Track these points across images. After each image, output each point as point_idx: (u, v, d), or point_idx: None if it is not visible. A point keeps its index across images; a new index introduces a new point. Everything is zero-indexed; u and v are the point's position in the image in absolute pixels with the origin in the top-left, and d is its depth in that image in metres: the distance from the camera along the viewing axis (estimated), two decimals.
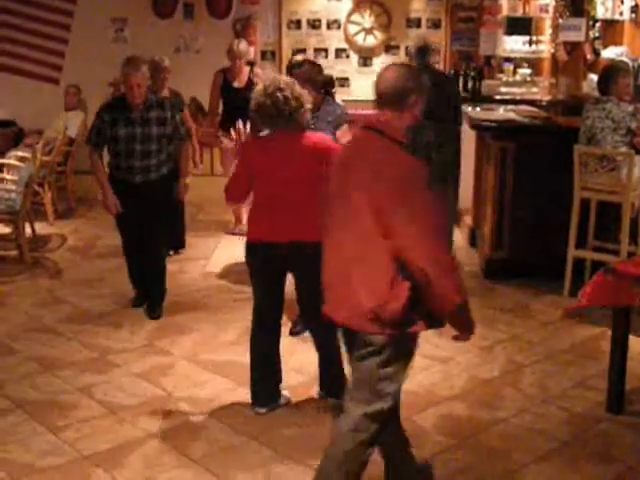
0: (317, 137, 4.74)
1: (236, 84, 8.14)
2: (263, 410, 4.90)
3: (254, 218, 4.76)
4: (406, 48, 8.78)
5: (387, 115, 3.60)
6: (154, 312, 6.39)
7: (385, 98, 3.61)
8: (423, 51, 7.37)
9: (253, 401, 4.95)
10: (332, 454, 3.60)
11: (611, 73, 6.84)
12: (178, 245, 8.18)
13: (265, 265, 4.77)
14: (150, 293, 6.51)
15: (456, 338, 3.60)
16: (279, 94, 4.54)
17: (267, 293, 4.89)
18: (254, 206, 4.76)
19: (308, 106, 4.66)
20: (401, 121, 3.59)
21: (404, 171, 3.46)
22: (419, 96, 3.64)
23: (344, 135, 5.74)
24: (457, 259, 3.53)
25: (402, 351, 3.53)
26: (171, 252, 7.98)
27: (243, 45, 8.17)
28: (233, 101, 8.08)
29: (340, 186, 3.63)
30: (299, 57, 8.16)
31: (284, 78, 4.79)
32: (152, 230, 6.33)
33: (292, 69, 6.16)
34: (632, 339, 5.00)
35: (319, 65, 6.30)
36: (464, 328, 3.57)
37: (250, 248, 4.76)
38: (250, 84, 8.09)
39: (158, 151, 6.18)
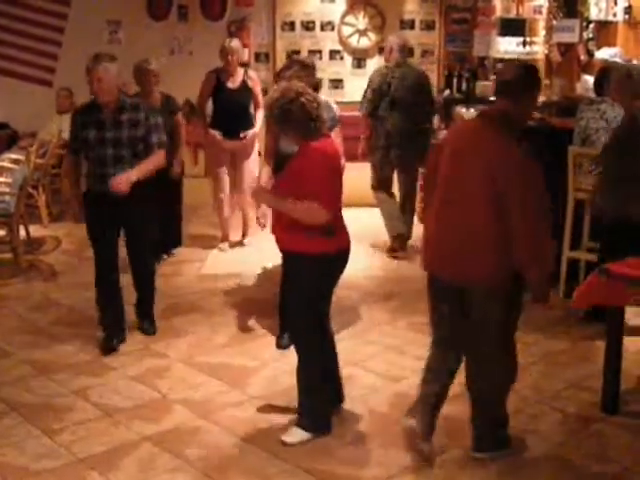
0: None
1: (230, 84, 8.01)
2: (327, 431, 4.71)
3: (341, 227, 4.56)
4: (383, 47, 8.92)
5: (505, 105, 4.07)
6: (150, 328, 6.19)
7: (506, 89, 4.08)
8: (404, 49, 8.17)
9: (325, 428, 4.69)
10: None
11: (608, 75, 6.86)
12: (174, 244, 8.21)
13: (341, 271, 4.66)
14: (140, 308, 6.28)
15: (533, 301, 4.20)
16: (302, 98, 4.38)
17: (329, 299, 4.74)
18: (336, 215, 4.51)
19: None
20: (516, 113, 4.06)
21: (516, 162, 3.94)
22: (535, 93, 4.17)
23: (337, 137, 5.74)
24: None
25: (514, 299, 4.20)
26: (165, 256, 7.97)
27: (235, 42, 8.06)
28: (225, 102, 8.01)
29: (455, 167, 4.10)
30: (302, 58, 8.22)
31: (296, 83, 4.72)
32: (137, 246, 6.01)
33: (281, 71, 6.13)
34: (626, 339, 5.02)
35: (310, 66, 6.25)
36: (539, 297, 4.17)
37: (338, 257, 4.54)
38: (244, 86, 8.03)
39: (133, 156, 5.70)
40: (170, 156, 6.75)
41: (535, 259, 4.00)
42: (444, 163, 4.22)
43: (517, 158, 3.98)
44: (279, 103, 4.40)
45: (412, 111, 8.12)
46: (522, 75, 4.12)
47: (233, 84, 8.04)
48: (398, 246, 8.27)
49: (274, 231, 4.65)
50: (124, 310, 6.09)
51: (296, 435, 4.60)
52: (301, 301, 4.56)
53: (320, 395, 4.70)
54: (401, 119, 8.09)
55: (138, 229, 5.95)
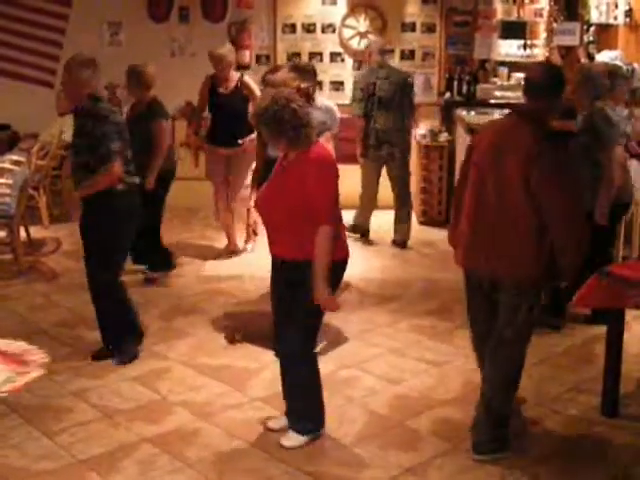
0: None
1: (222, 90, 7.90)
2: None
3: (341, 234, 4.53)
4: (367, 46, 9.13)
5: (536, 104, 4.33)
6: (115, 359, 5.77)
7: (537, 89, 4.34)
8: (384, 51, 8.70)
9: (319, 429, 4.69)
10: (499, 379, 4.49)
11: (610, 78, 6.86)
12: (158, 266, 7.61)
13: (341, 279, 4.63)
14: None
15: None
16: (293, 104, 4.31)
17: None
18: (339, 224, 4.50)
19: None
20: (548, 111, 4.36)
21: (550, 156, 4.17)
22: (561, 91, 4.40)
23: (327, 142, 5.68)
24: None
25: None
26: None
27: (223, 49, 7.89)
28: (218, 107, 7.93)
29: (491, 164, 4.29)
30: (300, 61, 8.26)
31: (284, 89, 4.67)
32: (87, 262, 5.74)
33: (267, 74, 6.10)
34: (627, 342, 5.02)
35: (303, 69, 6.22)
36: (568, 279, 4.56)
37: (338, 265, 4.43)
38: (236, 91, 7.87)
39: (86, 165, 5.47)
40: (142, 164, 6.51)
41: (569, 246, 4.20)
42: (478, 161, 4.41)
43: (550, 151, 4.19)
44: (271, 110, 4.31)
45: (398, 109, 8.47)
46: (548, 75, 4.38)
47: (225, 90, 7.91)
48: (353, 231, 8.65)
49: (273, 242, 4.53)
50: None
51: (294, 439, 4.59)
52: (303, 311, 4.43)
53: (314, 397, 4.67)
54: (389, 117, 8.44)
55: (89, 244, 5.68)
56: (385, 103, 8.38)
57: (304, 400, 4.66)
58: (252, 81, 8.01)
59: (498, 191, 4.26)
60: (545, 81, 4.34)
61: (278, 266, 4.58)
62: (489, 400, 4.48)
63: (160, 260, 7.59)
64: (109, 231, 5.57)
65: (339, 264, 4.46)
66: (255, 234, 6.40)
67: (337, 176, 4.44)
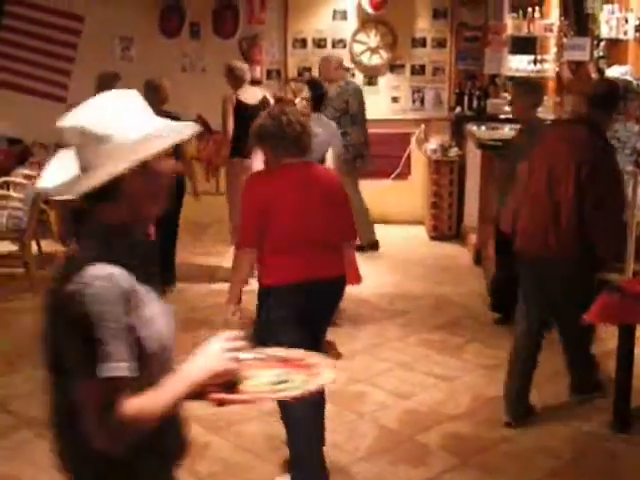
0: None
1: None
2: None
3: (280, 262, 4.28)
4: (325, 60, 8.99)
5: (595, 114, 4.83)
6: None
7: (601, 100, 4.89)
8: (343, 66, 8.98)
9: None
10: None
11: (622, 94, 6.88)
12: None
13: (300, 307, 4.40)
14: None
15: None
16: (283, 117, 4.24)
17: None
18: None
19: (313, 133, 4.47)
20: (605, 121, 4.92)
21: (603, 157, 4.72)
22: (618, 105, 5.11)
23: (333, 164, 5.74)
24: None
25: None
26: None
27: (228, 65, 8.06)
28: None
29: (550, 159, 4.79)
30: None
31: (287, 105, 4.74)
32: None
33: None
34: (638, 358, 5.01)
35: (317, 84, 6.28)
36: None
37: (289, 289, 4.23)
38: None
39: None
40: None
41: (605, 239, 4.73)
42: (539, 161, 4.89)
43: (604, 153, 4.76)
44: (264, 122, 4.29)
45: (362, 123, 8.81)
46: (608, 90, 5.02)
47: None
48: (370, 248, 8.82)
49: None
50: None
51: None
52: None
53: (304, 444, 4.28)
54: (359, 131, 8.75)
55: None
56: (354, 118, 8.65)
57: (295, 443, 4.28)
58: (226, 100, 7.88)
59: (555, 184, 4.72)
60: (603, 94, 4.94)
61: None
62: (574, 347, 5.22)
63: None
64: None
65: (292, 288, 4.22)
66: None
67: (273, 203, 4.14)
